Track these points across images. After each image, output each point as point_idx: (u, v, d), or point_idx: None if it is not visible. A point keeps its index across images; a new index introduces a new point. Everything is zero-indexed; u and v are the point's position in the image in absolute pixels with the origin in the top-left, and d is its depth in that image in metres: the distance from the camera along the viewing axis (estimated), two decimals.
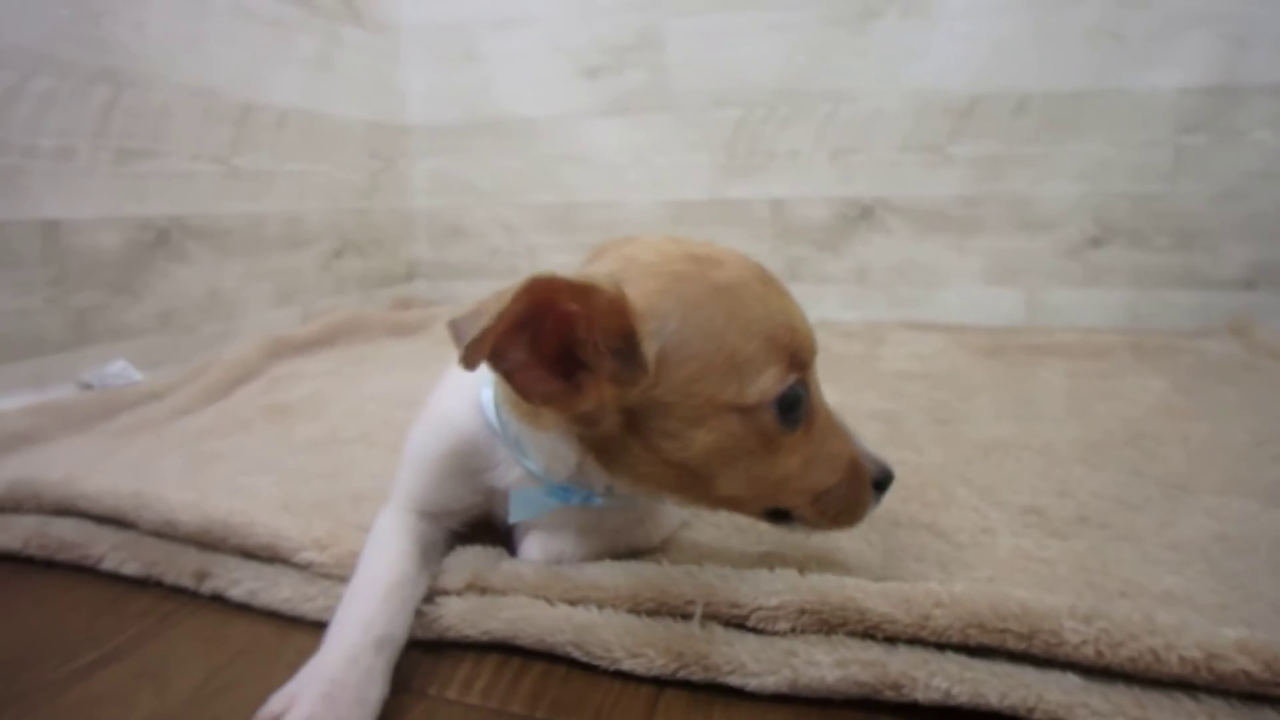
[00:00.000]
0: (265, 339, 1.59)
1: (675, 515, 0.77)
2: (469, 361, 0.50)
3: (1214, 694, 0.52)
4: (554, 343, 0.54)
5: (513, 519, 0.67)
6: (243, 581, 0.72)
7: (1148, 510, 0.82)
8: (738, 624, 0.61)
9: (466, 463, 0.69)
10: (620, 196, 2.09)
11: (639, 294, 0.55)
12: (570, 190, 2.13)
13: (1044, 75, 1.74)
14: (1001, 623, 0.56)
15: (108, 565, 0.78)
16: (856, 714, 0.57)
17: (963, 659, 0.56)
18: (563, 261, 2.17)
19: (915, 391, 1.31)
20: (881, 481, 0.63)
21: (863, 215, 1.92)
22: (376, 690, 0.55)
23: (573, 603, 0.64)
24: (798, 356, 0.59)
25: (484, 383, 0.68)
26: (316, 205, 1.86)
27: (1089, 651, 0.54)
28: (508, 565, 0.68)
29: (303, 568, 0.72)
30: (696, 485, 0.60)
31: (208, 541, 0.76)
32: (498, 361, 0.52)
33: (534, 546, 0.69)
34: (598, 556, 0.69)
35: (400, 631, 0.60)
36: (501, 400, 0.65)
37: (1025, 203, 1.82)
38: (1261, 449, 1.00)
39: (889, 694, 0.56)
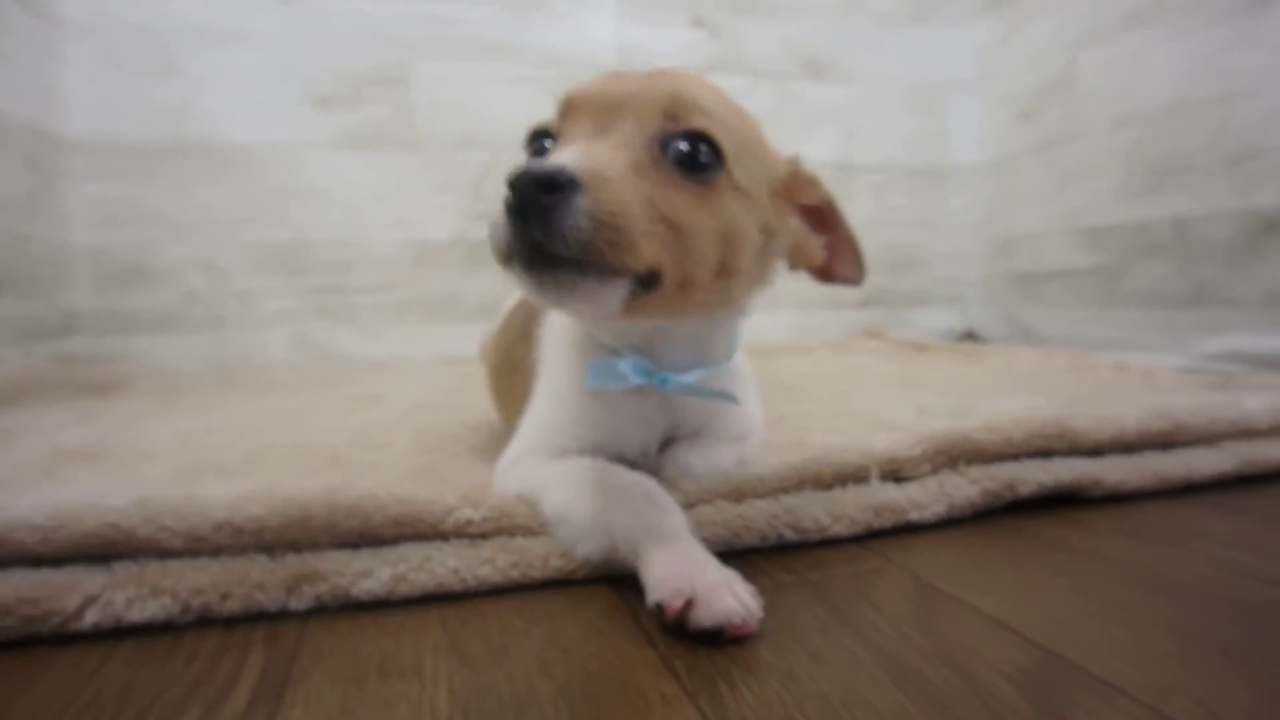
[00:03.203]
0: None
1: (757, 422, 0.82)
2: None
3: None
4: None
5: (590, 384, 0.66)
6: (375, 571, 0.58)
7: (985, 402, 1.14)
8: (894, 477, 0.74)
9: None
10: (358, 235, 1.96)
11: None
12: (299, 227, 1.91)
13: None
14: (1045, 428, 0.79)
15: (95, 620, 0.53)
16: (989, 525, 0.72)
17: (1036, 461, 0.77)
18: (283, 308, 1.92)
19: None
20: (510, 180, 0.50)
21: None
22: None
23: (760, 496, 0.69)
24: (559, 106, 0.63)
25: None
26: None
27: (1092, 440, 0.80)
28: (685, 484, 0.68)
29: (455, 534, 0.61)
30: None
31: (297, 537, 0.58)
32: None
33: (689, 458, 0.71)
34: (721, 467, 0.72)
35: None
36: None
37: None
38: (998, 372, 1.44)
39: (1008, 495, 0.74)
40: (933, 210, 2.31)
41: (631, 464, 0.70)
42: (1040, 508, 0.75)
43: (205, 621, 0.55)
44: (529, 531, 0.62)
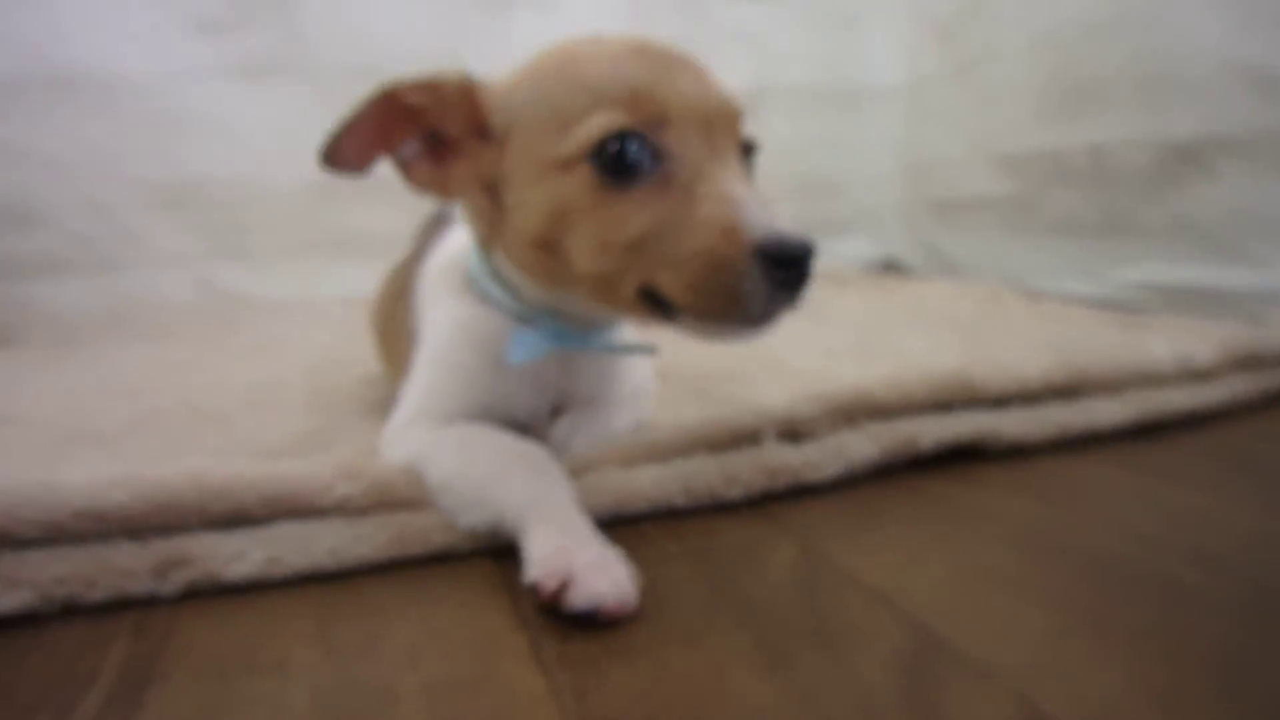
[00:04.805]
0: None
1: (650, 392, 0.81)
2: (324, 157, 0.63)
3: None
4: (412, 133, 0.62)
5: (513, 359, 0.64)
6: (248, 552, 0.56)
7: (891, 339, 1.16)
8: (791, 438, 0.71)
9: (488, 336, 0.67)
10: (254, 172, 1.84)
11: (507, 76, 0.62)
12: (188, 164, 1.78)
13: None
14: (947, 382, 0.77)
15: None
16: (886, 484, 0.71)
17: (937, 416, 0.76)
18: (179, 249, 1.81)
19: None
20: (777, 253, 0.50)
21: None
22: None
23: (653, 462, 0.66)
24: (640, 107, 0.54)
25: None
26: None
27: (995, 391, 0.79)
28: (574, 449, 0.67)
29: (335, 511, 0.59)
30: (559, 265, 0.59)
31: (164, 520, 0.56)
32: (386, 155, 0.63)
33: (583, 425, 0.70)
34: (615, 432, 0.71)
35: None
36: (473, 248, 0.68)
37: None
38: (909, 307, 1.46)
39: (907, 452, 0.72)
40: (848, 134, 2.26)
41: (523, 431, 0.68)
42: (941, 463, 0.74)
43: (72, 611, 0.53)
44: (412, 505, 0.60)
